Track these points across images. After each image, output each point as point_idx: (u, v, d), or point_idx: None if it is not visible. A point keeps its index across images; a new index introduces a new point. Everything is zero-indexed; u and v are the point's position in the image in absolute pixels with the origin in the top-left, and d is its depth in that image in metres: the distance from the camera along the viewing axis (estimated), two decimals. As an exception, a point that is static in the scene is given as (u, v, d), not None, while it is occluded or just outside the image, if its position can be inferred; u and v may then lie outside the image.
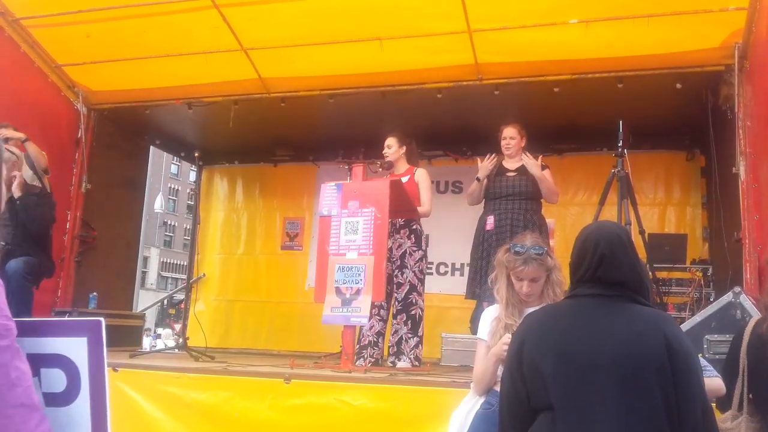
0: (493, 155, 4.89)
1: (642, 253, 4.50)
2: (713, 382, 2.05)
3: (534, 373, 1.95)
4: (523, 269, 2.75)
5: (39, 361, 1.40)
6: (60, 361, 1.43)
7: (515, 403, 2.00)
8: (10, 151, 4.78)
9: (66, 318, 1.40)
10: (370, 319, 4.80)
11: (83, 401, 1.43)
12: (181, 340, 5.63)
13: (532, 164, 4.72)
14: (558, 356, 1.94)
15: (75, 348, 1.43)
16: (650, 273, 4.33)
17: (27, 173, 5.08)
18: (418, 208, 4.87)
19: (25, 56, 5.91)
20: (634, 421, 1.82)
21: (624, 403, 1.83)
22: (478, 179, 4.90)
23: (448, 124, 6.36)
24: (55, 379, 1.43)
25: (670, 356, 1.84)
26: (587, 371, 1.88)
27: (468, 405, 2.91)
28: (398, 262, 4.85)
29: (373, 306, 4.81)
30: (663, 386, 1.83)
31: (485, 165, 4.84)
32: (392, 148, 5.05)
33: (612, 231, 2.08)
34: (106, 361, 1.44)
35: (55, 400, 1.41)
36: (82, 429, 1.42)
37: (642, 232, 4.41)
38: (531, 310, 2.72)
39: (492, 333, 2.79)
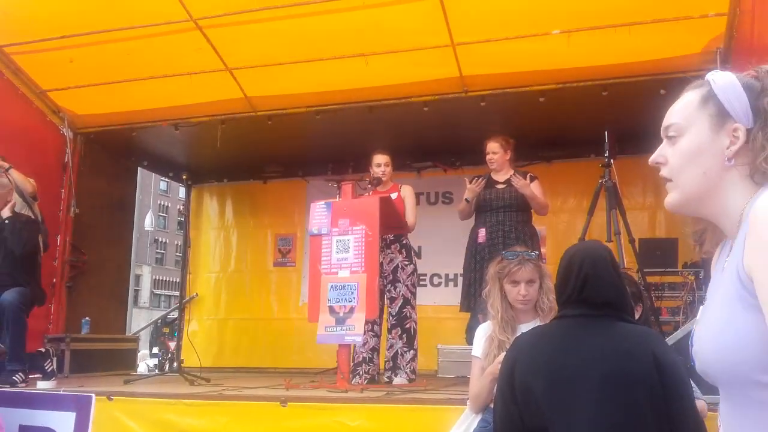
0: (481, 179, 4.89)
1: (633, 261, 4.54)
2: (697, 404, 2.08)
3: (526, 395, 1.96)
4: (519, 269, 2.77)
5: None
6: None
7: (509, 426, 2.01)
8: (8, 179, 4.79)
9: (60, 392, 1.38)
10: (364, 335, 4.80)
11: None
12: (175, 362, 5.60)
13: (522, 185, 4.71)
14: (549, 377, 1.95)
15: (63, 422, 1.43)
16: (642, 279, 4.34)
17: (16, 201, 5.06)
18: None
19: (8, 83, 5.90)
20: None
21: (616, 422, 1.85)
22: (467, 200, 4.90)
23: (435, 136, 6.38)
24: None
25: (659, 374, 1.86)
26: (578, 391, 1.90)
27: (465, 423, 2.91)
28: (390, 277, 4.86)
29: (366, 322, 4.81)
30: (654, 403, 1.85)
31: (472, 188, 4.84)
32: (389, 166, 5.05)
33: (595, 252, 2.10)
34: None
35: None
36: None
37: (632, 241, 4.44)
38: (524, 326, 2.74)
39: (485, 353, 2.80)
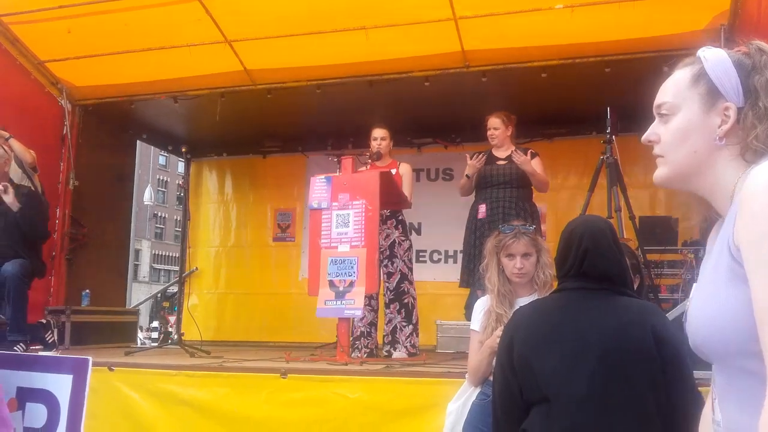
0: (482, 155, 4.88)
1: (633, 238, 4.54)
2: None
3: (525, 368, 1.98)
4: (514, 243, 2.78)
5: (26, 396, 1.39)
6: (44, 396, 1.43)
7: (508, 398, 2.03)
8: (4, 149, 4.75)
9: (57, 354, 1.40)
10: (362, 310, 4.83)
11: None
12: (175, 335, 5.63)
13: (523, 161, 4.70)
14: (547, 350, 1.97)
15: (60, 384, 1.43)
16: (641, 256, 4.35)
17: (16, 172, 5.05)
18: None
19: (6, 53, 5.84)
20: (624, 411, 1.85)
21: (613, 394, 1.86)
22: (467, 176, 4.89)
23: (436, 111, 6.35)
24: (38, 415, 1.43)
25: (658, 347, 1.88)
26: (577, 363, 1.91)
27: (464, 395, 2.94)
28: (387, 252, 4.86)
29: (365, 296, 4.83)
30: (652, 376, 1.86)
31: (473, 164, 4.83)
32: (386, 140, 5.05)
33: (596, 225, 2.10)
34: (86, 400, 1.43)
35: None
36: None
37: (632, 217, 4.44)
38: (522, 300, 2.75)
39: (484, 326, 2.82)
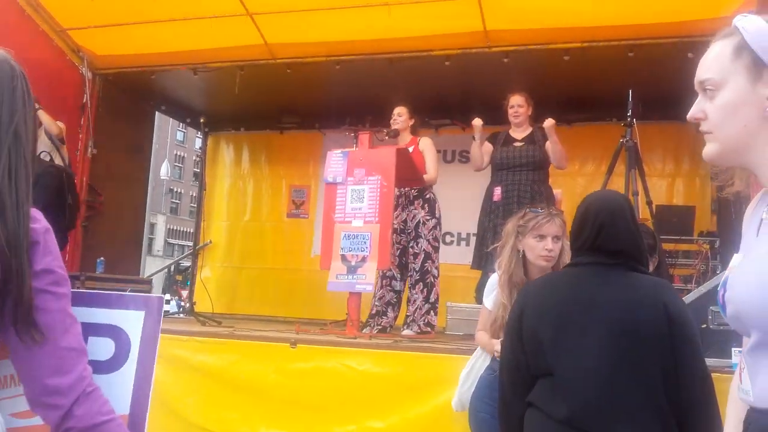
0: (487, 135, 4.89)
1: (649, 224, 4.51)
2: None
3: (533, 341, 1.97)
4: (548, 223, 2.64)
5: (89, 331, 1.41)
6: (111, 331, 1.45)
7: (515, 371, 2.03)
8: None
9: (127, 293, 1.42)
10: (380, 289, 4.83)
11: (128, 371, 1.45)
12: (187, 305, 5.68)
13: (549, 126, 4.61)
14: (556, 324, 1.96)
15: (130, 320, 1.46)
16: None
17: (46, 144, 5.07)
18: (424, 176, 4.85)
19: (29, 19, 5.86)
20: (631, 387, 1.84)
21: (622, 370, 1.85)
22: (473, 138, 4.87)
23: (455, 92, 6.30)
24: (103, 348, 1.44)
25: (668, 324, 1.86)
26: (585, 338, 1.90)
27: (475, 360, 2.93)
28: (413, 233, 4.84)
29: (384, 276, 4.83)
30: (660, 353, 1.85)
31: (477, 124, 4.81)
32: (403, 116, 5.04)
33: (613, 200, 2.08)
34: (159, 336, 1.46)
35: (97, 368, 1.42)
36: (121, 398, 1.42)
37: (650, 203, 4.40)
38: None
39: (495, 304, 2.80)
